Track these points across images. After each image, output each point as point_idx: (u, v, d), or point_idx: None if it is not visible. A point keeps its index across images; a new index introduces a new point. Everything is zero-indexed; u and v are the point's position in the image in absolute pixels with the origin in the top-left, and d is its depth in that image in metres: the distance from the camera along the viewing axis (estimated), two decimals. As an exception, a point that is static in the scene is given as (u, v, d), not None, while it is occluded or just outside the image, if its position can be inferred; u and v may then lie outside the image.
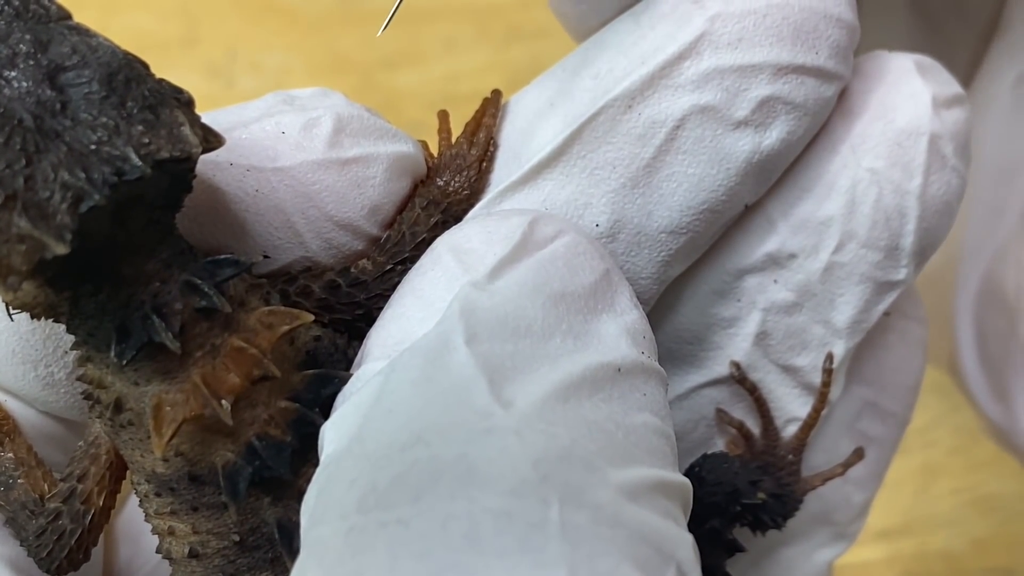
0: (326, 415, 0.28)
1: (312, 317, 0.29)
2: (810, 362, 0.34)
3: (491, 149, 0.34)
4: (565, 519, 0.23)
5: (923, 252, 0.34)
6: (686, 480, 0.27)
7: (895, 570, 0.62)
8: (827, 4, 0.31)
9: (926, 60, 0.34)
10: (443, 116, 0.35)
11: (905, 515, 0.63)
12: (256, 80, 0.70)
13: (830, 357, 0.34)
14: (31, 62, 0.27)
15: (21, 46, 0.27)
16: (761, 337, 0.34)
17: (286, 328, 0.29)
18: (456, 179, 0.33)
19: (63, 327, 0.29)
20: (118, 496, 0.32)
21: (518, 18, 0.71)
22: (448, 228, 0.31)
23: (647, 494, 0.25)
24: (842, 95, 0.33)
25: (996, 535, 0.63)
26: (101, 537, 0.32)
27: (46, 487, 0.32)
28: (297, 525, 0.27)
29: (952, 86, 0.34)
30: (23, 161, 0.26)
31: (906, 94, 0.33)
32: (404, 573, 0.23)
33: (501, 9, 0.72)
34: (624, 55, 0.32)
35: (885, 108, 0.33)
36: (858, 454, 0.36)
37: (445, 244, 0.29)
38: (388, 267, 0.32)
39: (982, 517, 0.63)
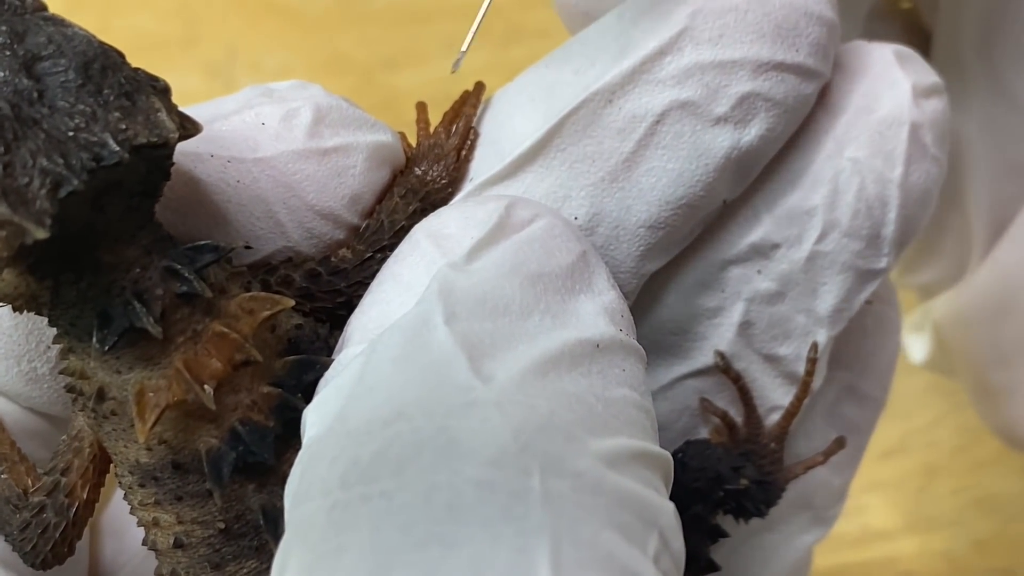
0: (308, 401, 0.29)
1: (292, 302, 0.29)
2: (793, 351, 0.34)
3: (471, 138, 0.34)
4: (547, 487, 0.24)
5: (903, 240, 0.34)
6: (666, 453, 0.27)
7: (896, 570, 0.62)
8: (808, 1, 0.31)
9: (904, 50, 0.34)
10: (421, 107, 0.35)
11: (906, 515, 0.63)
12: (256, 80, 0.69)
13: (814, 347, 0.34)
14: (7, 52, 0.27)
15: None
16: (744, 327, 0.34)
17: (267, 313, 0.29)
18: (434, 168, 0.33)
19: (45, 321, 0.29)
20: (102, 491, 0.32)
21: (518, 18, 0.71)
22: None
23: (627, 463, 0.26)
24: (824, 86, 0.33)
25: (998, 535, 0.62)
26: (86, 532, 0.32)
27: (29, 482, 0.32)
28: (282, 511, 0.27)
29: (930, 75, 0.34)
30: (1, 148, 0.26)
31: (887, 84, 0.33)
32: (388, 545, 0.23)
33: (501, 9, 0.72)
34: (605, 50, 0.32)
35: (866, 98, 0.33)
36: (839, 443, 0.36)
37: (423, 230, 0.29)
38: (368, 256, 0.32)
39: (983, 517, 0.63)
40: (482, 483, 0.23)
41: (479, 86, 0.35)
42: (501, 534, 0.23)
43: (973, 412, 0.65)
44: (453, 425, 0.24)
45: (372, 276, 0.30)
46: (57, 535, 0.31)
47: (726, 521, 0.35)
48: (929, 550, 0.62)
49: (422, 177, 0.33)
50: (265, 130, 0.31)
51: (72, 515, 0.31)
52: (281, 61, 0.72)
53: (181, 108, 0.29)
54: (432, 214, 0.30)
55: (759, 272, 0.33)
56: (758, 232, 0.33)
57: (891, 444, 0.65)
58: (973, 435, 0.65)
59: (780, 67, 0.31)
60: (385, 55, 0.73)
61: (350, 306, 0.31)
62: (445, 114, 0.34)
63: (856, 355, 0.37)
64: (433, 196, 0.33)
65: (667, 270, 0.34)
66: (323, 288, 0.32)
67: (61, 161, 0.26)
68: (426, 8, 0.74)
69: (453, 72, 0.33)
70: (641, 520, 0.25)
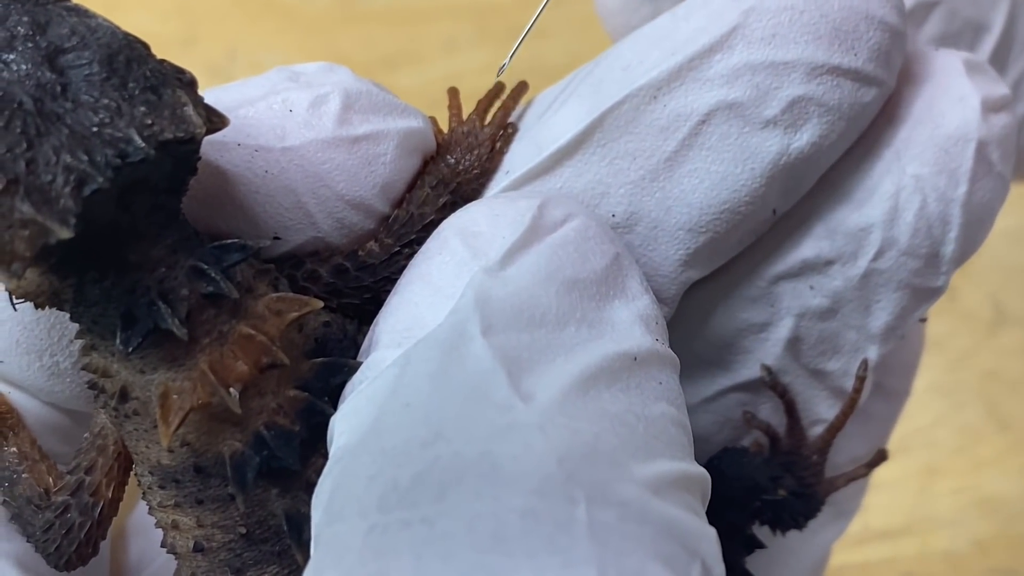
0: (335, 404, 0.28)
1: (321, 304, 0.29)
2: (841, 366, 0.33)
3: (509, 131, 0.33)
4: (592, 518, 0.23)
5: (962, 258, 0.33)
6: (704, 471, 0.27)
7: (897, 570, 0.62)
8: (870, 5, 0.30)
9: (974, 59, 0.33)
10: (453, 93, 0.35)
11: (907, 515, 0.63)
12: (256, 80, 0.70)
13: (864, 364, 0.33)
14: (30, 44, 0.26)
15: (19, 28, 0.27)
16: (793, 342, 0.33)
17: (295, 315, 0.28)
18: (467, 157, 0.32)
19: (67, 315, 0.29)
20: (127, 489, 0.32)
21: (518, 18, 0.71)
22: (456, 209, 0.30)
23: (670, 488, 0.25)
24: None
25: (998, 535, 0.63)
26: (108, 531, 0.32)
27: (51, 481, 0.31)
28: (306, 517, 0.27)
29: (1000, 87, 0.32)
30: (24, 145, 0.25)
31: (954, 97, 0.32)
32: (430, 574, 0.22)
33: (501, 9, 0.72)
34: (656, 47, 0.31)
35: (932, 112, 0.32)
36: (882, 455, 0.36)
37: (452, 227, 0.29)
38: (395, 250, 0.31)
39: (984, 517, 0.63)
40: (527, 513, 0.23)
41: (521, 85, 0.34)
42: (546, 566, 0.22)
43: (973, 412, 0.65)
44: (495, 450, 0.24)
45: (400, 271, 0.30)
46: (82, 535, 0.31)
47: (761, 533, 0.35)
48: (929, 550, 0.62)
49: (454, 167, 0.32)
50: (293, 117, 0.31)
51: (97, 515, 0.31)
52: (281, 61, 0.71)
53: (204, 92, 0.28)
54: (461, 209, 0.29)
55: (811, 288, 0.32)
56: (811, 248, 0.32)
57: (891, 444, 0.65)
58: (973, 435, 0.65)
59: (835, 71, 0.30)
60: (385, 55, 0.73)
61: (378, 301, 0.30)
62: (479, 102, 0.33)
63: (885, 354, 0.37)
64: (464, 188, 0.32)
65: (714, 282, 0.33)
66: (350, 284, 0.31)
67: (85, 158, 0.25)
68: (426, 8, 0.73)
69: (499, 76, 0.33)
70: (685, 549, 0.24)
